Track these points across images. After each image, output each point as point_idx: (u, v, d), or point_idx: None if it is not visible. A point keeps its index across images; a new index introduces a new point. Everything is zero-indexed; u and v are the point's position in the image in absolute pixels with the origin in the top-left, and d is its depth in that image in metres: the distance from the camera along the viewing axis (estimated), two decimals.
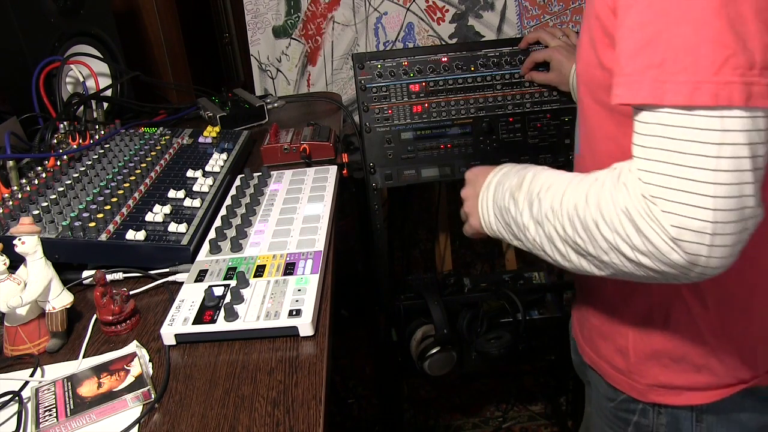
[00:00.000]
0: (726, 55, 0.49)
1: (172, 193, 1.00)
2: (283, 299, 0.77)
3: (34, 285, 0.74)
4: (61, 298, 0.77)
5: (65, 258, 0.87)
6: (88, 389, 0.67)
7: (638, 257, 0.56)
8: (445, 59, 1.32)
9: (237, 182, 1.09)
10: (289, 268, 0.83)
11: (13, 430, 0.64)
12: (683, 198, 0.52)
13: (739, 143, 0.50)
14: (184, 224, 0.92)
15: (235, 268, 0.85)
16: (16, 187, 0.97)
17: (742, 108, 0.50)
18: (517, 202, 0.70)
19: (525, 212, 0.68)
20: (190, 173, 1.07)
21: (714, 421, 0.77)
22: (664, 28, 0.51)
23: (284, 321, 0.73)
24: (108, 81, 1.42)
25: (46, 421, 0.63)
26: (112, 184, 0.99)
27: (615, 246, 0.57)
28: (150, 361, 0.74)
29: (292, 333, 0.74)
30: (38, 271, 0.75)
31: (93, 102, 1.29)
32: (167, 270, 0.89)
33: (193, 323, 0.75)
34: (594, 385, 0.89)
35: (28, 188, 0.96)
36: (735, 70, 0.49)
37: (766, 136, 0.52)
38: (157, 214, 0.93)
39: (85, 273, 0.89)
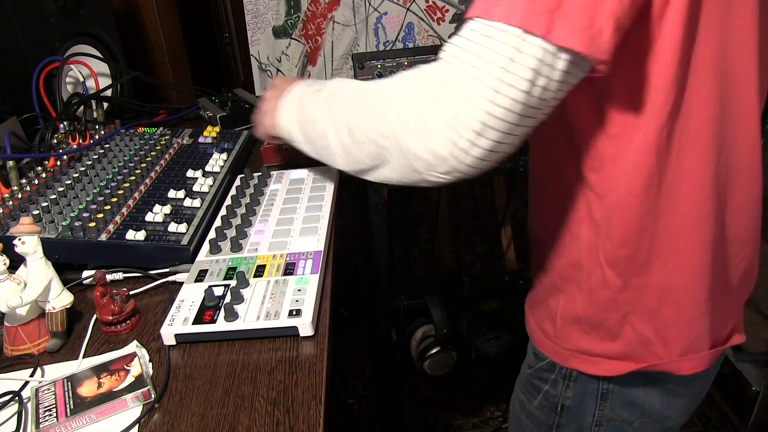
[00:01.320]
0: None
1: (172, 193, 1.00)
2: (283, 299, 0.77)
3: (34, 285, 0.74)
4: (61, 298, 0.77)
5: (65, 258, 0.87)
6: (88, 389, 0.67)
7: (409, 139, 0.63)
8: None
9: (237, 182, 1.09)
10: (289, 268, 0.83)
11: (13, 430, 0.64)
12: (466, 93, 0.58)
13: (526, 66, 0.57)
14: (184, 224, 0.92)
15: (235, 268, 0.85)
16: (16, 187, 0.97)
17: (542, 39, 0.56)
18: (318, 97, 0.77)
19: (321, 105, 0.76)
20: (190, 173, 1.07)
21: (617, 403, 0.81)
22: None
23: (284, 321, 0.73)
24: (108, 81, 1.42)
25: (46, 421, 0.63)
26: (112, 184, 0.99)
27: (393, 126, 0.64)
28: (150, 361, 0.74)
29: (292, 333, 0.74)
30: (38, 271, 0.75)
31: (93, 102, 1.29)
32: (167, 270, 0.89)
33: (193, 323, 0.75)
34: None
35: (28, 188, 0.96)
36: (545, 5, 0.55)
37: (558, 75, 0.58)
38: (157, 214, 0.94)
39: (85, 273, 0.89)
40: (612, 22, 0.56)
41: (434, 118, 0.60)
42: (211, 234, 0.93)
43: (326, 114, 0.76)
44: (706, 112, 0.66)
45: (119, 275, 0.89)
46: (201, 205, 0.98)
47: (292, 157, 1.21)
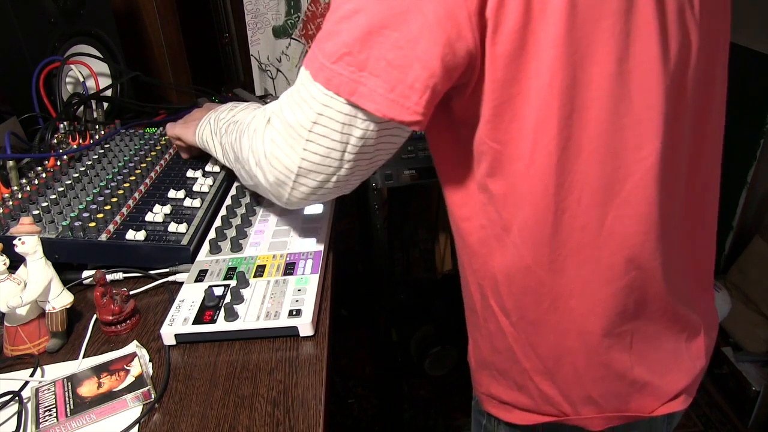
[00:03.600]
0: (343, 52, 0.57)
1: (172, 193, 1.00)
2: (283, 299, 0.77)
3: (34, 285, 0.74)
4: (61, 298, 0.77)
5: (65, 258, 0.87)
6: (88, 389, 0.67)
7: (257, 171, 0.70)
8: None
9: (237, 182, 1.09)
10: (289, 268, 0.83)
11: (13, 430, 0.64)
12: (284, 139, 0.64)
13: (333, 124, 0.60)
14: (184, 224, 0.92)
15: (235, 268, 0.85)
16: (16, 187, 0.97)
17: (343, 101, 0.59)
18: (223, 119, 0.88)
19: (226, 122, 0.87)
20: (190, 173, 1.07)
21: None
22: (331, 14, 0.60)
23: (284, 321, 0.73)
24: (108, 81, 1.42)
25: (46, 421, 0.63)
26: (112, 184, 0.99)
27: (246, 155, 0.72)
28: (150, 361, 0.74)
29: (292, 333, 0.74)
30: (38, 271, 0.75)
31: (93, 102, 1.28)
32: (167, 270, 0.89)
33: (193, 323, 0.75)
34: None
35: (28, 188, 0.96)
36: (348, 66, 0.57)
37: (362, 134, 0.61)
38: (157, 214, 0.93)
39: (85, 273, 0.89)
40: (419, 86, 0.56)
41: (265, 162, 0.67)
42: (211, 234, 0.93)
43: (227, 136, 0.85)
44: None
45: (119, 275, 0.89)
46: (201, 205, 0.98)
47: None
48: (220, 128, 0.88)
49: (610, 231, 0.62)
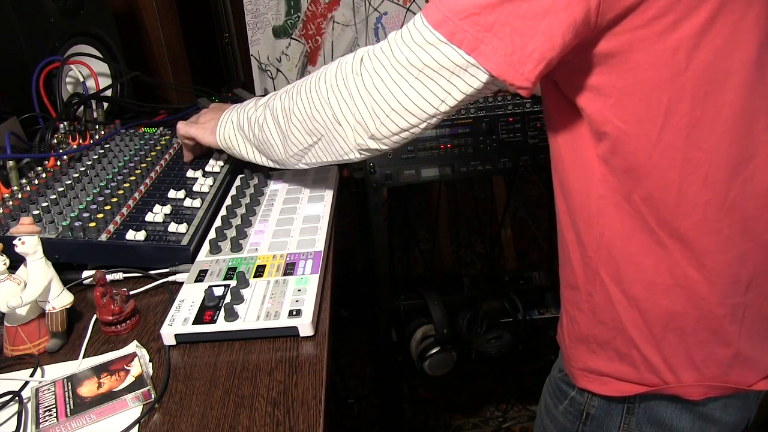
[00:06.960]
0: (472, 12, 0.60)
1: (172, 193, 1.00)
2: (283, 299, 0.77)
3: (34, 285, 0.74)
4: (61, 298, 0.77)
5: (65, 258, 0.87)
6: (88, 389, 0.67)
7: (342, 107, 0.72)
8: None
9: (237, 182, 1.09)
10: (289, 268, 0.83)
11: (13, 430, 0.64)
12: (389, 74, 0.67)
13: (444, 71, 0.64)
14: (184, 224, 0.92)
15: (235, 268, 0.85)
16: (16, 187, 0.97)
17: (464, 54, 0.62)
18: (257, 104, 0.88)
19: (260, 105, 0.87)
20: (190, 173, 1.07)
21: (643, 420, 0.77)
22: None
23: (284, 321, 0.73)
24: (108, 81, 1.42)
25: (46, 421, 0.63)
26: (112, 184, 0.99)
27: (326, 99, 0.73)
28: (150, 361, 0.74)
29: (292, 333, 0.74)
30: (38, 271, 0.75)
31: (93, 102, 1.29)
32: (167, 270, 0.89)
33: (193, 323, 0.75)
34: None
35: (28, 188, 0.96)
36: (474, 25, 0.60)
37: (466, 87, 0.64)
38: (157, 214, 0.93)
39: (85, 273, 0.89)
40: (536, 56, 0.59)
41: (362, 92, 0.70)
42: (211, 234, 0.93)
43: (263, 110, 0.85)
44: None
45: (119, 275, 0.89)
46: (201, 205, 0.98)
47: None
48: (249, 117, 0.88)
49: (731, 205, 0.65)
